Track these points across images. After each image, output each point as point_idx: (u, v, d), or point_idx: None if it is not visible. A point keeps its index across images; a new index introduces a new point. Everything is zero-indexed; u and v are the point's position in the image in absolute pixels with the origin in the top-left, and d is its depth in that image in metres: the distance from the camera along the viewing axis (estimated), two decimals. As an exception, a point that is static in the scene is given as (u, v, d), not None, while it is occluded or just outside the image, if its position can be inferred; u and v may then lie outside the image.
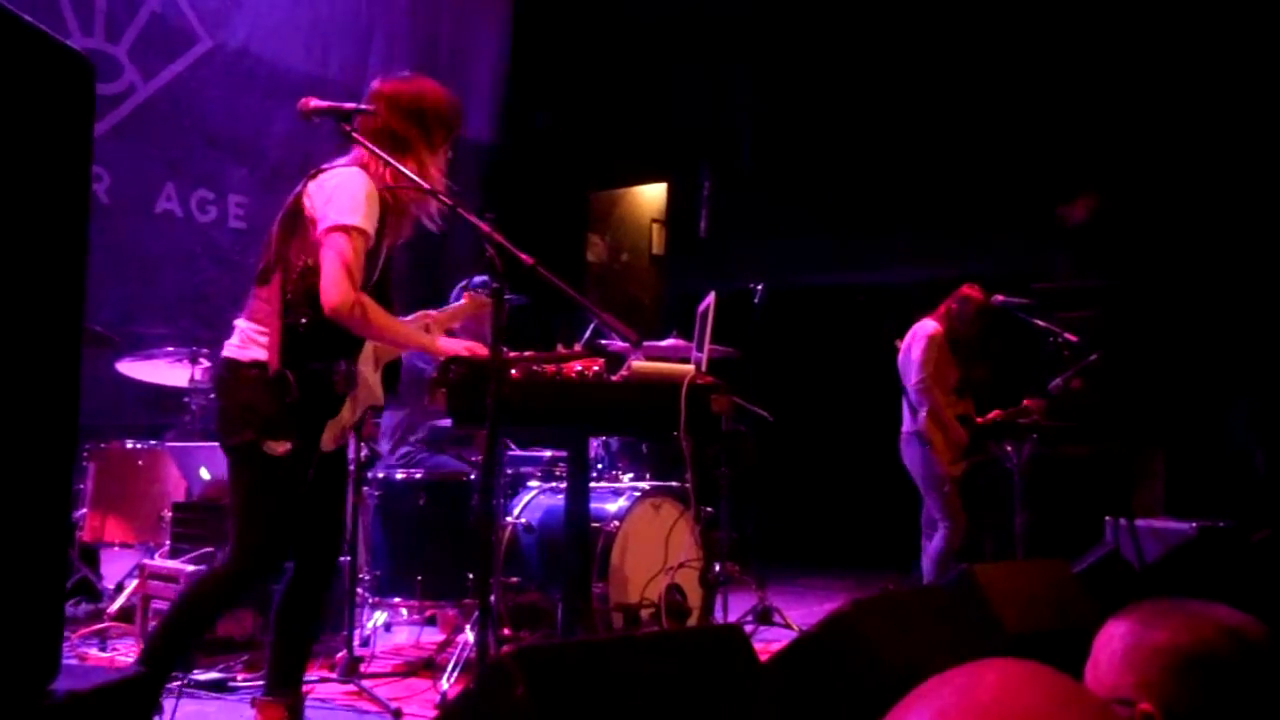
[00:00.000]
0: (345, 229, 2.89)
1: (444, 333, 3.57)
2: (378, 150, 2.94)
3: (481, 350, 3.04)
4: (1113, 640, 1.35)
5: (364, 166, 3.02)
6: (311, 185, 3.01)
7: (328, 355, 2.97)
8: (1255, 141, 6.36)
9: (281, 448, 2.87)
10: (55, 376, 1.27)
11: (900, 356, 5.63)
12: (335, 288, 2.87)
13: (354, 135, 2.96)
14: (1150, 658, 1.31)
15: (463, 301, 3.69)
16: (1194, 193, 6.53)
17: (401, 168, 2.94)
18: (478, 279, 3.83)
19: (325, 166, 3.06)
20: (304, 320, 2.91)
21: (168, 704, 3.04)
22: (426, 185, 2.99)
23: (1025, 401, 5.37)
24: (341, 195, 2.94)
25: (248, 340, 2.98)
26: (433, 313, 3.50)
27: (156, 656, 2.86)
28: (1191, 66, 6.54)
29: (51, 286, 1.26)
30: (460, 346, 3.16)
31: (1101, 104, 6.92)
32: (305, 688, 3.92)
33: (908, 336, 5.62)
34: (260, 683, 3.36)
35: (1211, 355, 6.41)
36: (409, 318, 3.35)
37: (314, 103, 2.95)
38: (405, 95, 3.11)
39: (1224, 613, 1.36)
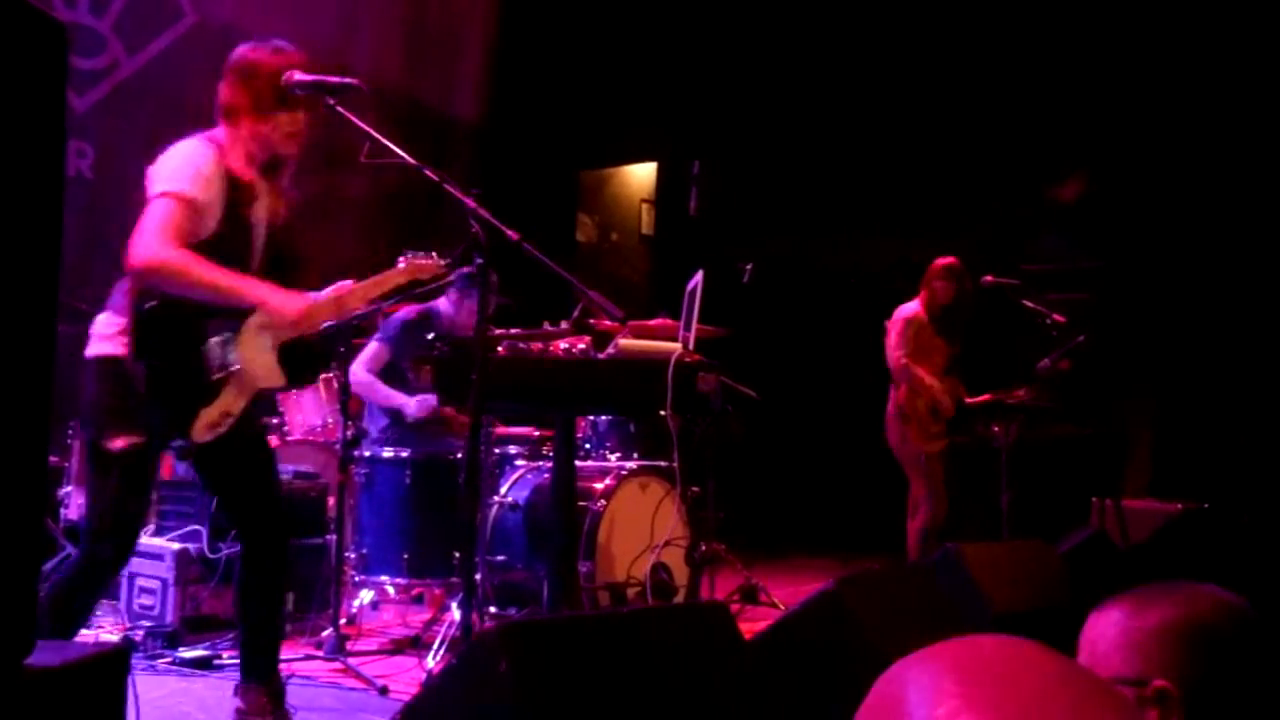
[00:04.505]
0: (166, 194, 2.75)
1: (368, 304, 3.27)
2: (364, 126, 2.81)
3: (326, 299, 2.83)
4: (1107, 627, 1.34)
5: (212, 140, 2.87)
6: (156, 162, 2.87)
7: (189, 339, 2.80)
8: (1247, 120, 6.36)
9: (117, 444, 2.74)
10: (27, 349, 1.25)
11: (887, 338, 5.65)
12: (140, 244, 2.70)
13: (339, 109, 2.86)
14: (1154, 635, 1.30)
15: (401, 266, 3.12)
16: (1181, 172, 6.53)
17: (373, 132, 2.78)
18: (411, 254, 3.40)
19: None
20: (153, 304, 2.74)
21: (162, 683, 3.01)
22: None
23: (1018, 392, 5.35)
24: (169, 163, 2.80)
25: (97, 336, 2.87)
26: (347, 283, 3.07)
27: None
28: (1180, 45, 6.53)
29: (22, 255, 1.24)
30: (297, 305, 2.85)
31: (1090, 83, 6.90)
32: (291, 666, 3.94)
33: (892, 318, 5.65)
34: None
35: (1201, 337, 6.42)
36: (325, 290, 3.03)
37: (298, 76, 2.84)
38: (237, 60, 2.93)
39: (1211, 589, 1.36)
